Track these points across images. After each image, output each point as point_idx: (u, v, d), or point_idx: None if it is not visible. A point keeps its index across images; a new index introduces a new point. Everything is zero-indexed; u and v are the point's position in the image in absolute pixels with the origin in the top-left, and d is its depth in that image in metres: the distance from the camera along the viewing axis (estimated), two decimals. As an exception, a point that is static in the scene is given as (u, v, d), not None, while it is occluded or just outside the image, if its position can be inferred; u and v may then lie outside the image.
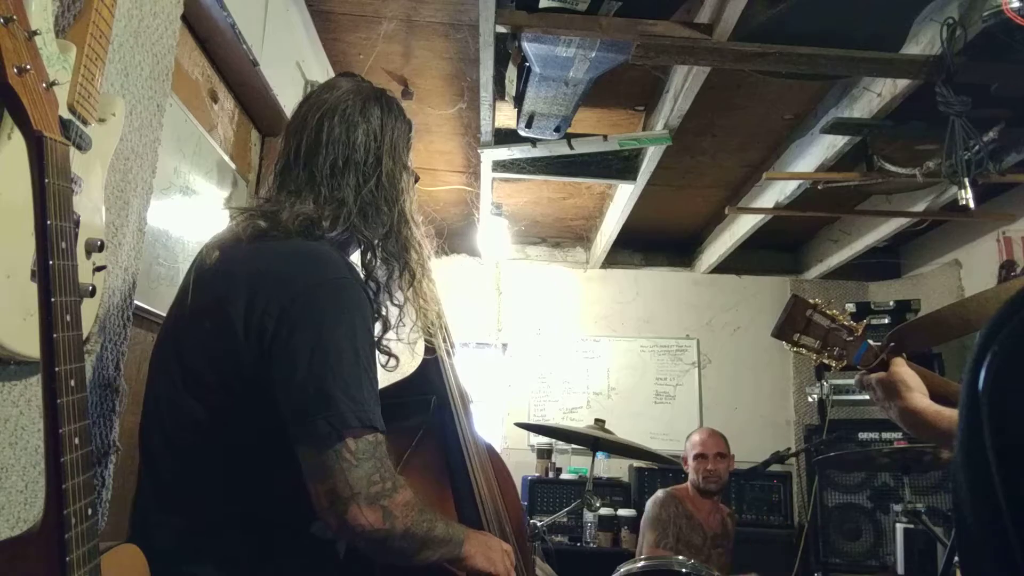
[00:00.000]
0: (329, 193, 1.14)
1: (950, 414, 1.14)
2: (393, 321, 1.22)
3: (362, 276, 1.16)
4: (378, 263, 1.18)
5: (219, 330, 1.03)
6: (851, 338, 1.28)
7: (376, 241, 1.18)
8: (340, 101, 1.19)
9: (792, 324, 1.29)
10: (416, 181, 1.34)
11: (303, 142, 1.18)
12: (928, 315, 1.31)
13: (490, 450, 1.53)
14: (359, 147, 1.17)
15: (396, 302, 1.20)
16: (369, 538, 0.98)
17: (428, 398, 1.42)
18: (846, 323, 1.29)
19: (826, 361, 1.30)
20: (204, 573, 1.01)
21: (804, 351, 1.30)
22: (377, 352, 1.17)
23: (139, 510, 1.10)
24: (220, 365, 1.03)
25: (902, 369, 1.22)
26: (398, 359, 1.24)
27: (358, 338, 1.03)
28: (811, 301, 1.30)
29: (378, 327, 1.19)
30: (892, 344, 1.25)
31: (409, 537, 1.01)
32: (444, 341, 1.45)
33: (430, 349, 1.44)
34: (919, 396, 1.19)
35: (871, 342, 1.28)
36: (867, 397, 1.30)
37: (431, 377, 1.43)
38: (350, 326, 1.02)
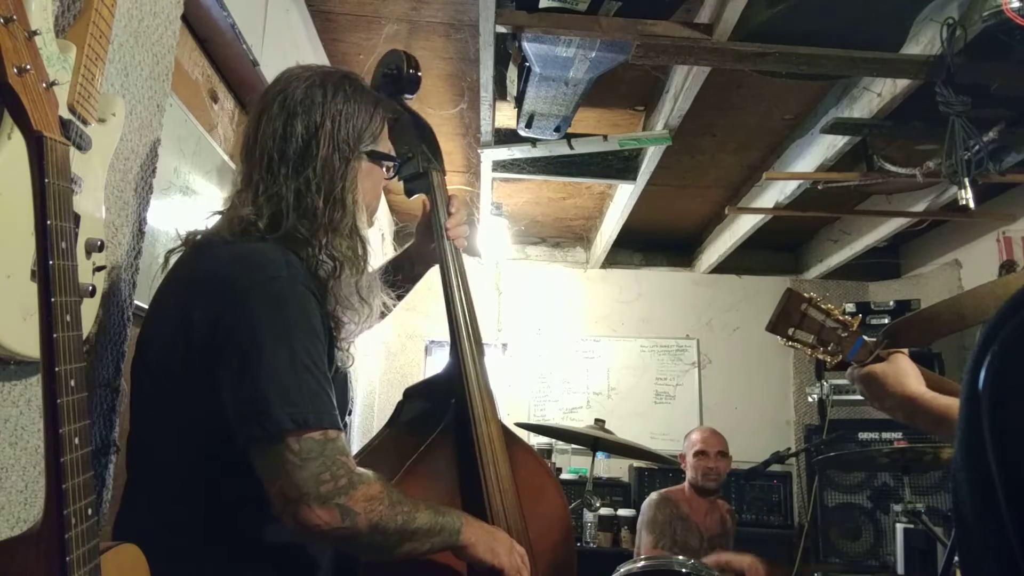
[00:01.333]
0: (265, 189, 1.11)
1: (946, 399, 1.13)
2: (343, 319, 1.16)
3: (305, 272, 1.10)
4: (319, 260, 1.12)
5: (168, 339, 1.04)
6: (846, 334, 1.26)
7: (317, 237, 1.12)
8: (280, 93, 1.14)
9: (787, 318, 1.27)
10: (397, 163, 1.29)
11: (245, 137, 1.16)
12: (922, 311, 1.30)
13: (532, 457, 1.48)
14: (294, 137, 1.11)
15: (341, 301, 1.14)
16: (331, 537, 0.96)
17: (448, 401, 1.37)
18: (841, 318, 1.27)
19: (820, 357, 1.27)
20: (164, 571, 1.01)
21: (798, 346, 1.28)
22: (336, 350, 1.14)
23: (122, 511, 1.10)
24: (174, 373, 1.04)
25: (903, 358, 1.22)
26: (353, 358, 1.21)
27: (295, 338, 1.00)
28: (806, 295, 1.28)
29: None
30: (887, 340, 1.24)
31: (380, 531, 0.98)
32: (470, 342, 1.40)
33: (455, 350, 1.39)
34: (916, 383, 1.19)
35: (866, 338, 1.26)
36: (860, 396, 1.28)
37: (453, 379, 1.38)
38: (284, 327, 1.00)
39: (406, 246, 1.58)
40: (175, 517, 1.04)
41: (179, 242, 1.16)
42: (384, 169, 1.25)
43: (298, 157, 1.11)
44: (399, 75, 1.45)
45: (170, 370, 1.04)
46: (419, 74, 1.47)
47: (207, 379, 1.00)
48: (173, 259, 1.16)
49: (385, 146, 1.25)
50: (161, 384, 1.06)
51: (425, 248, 1.51)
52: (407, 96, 1.50)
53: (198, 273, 1.07)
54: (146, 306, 1.59)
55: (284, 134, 1.11)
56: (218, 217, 1.17)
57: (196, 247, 1.11)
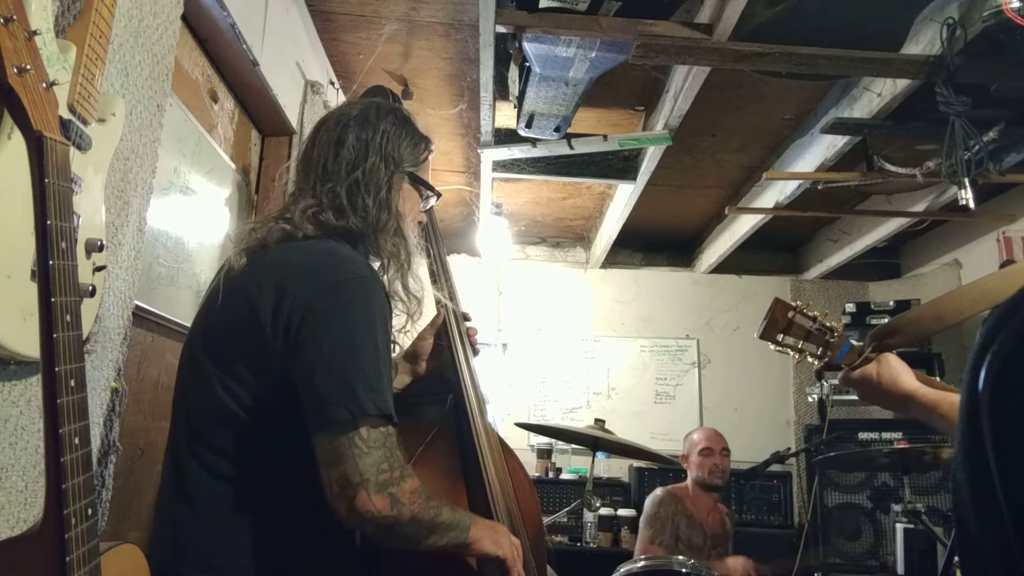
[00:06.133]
0: (321, 186, 1.22)
1: (935, 391, 1.19)
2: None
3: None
4: (368, 256, 1.24)
5: (249, 326, 1.08)
6: (833, 339, 1.32)
7: (367, 233, 1.23)
8: (338, 112, 1.30)
9: (775, 325, 1.34)
10: (437, 197, 1.40)
11: (304, 149, 1.29)
12: (905, 314, 1.37)
13: (508, 451, 1.55)
14: (347, 145, 1.24)
15: (390, 296, 1.24)
16: (377, 524, 1.02)
17: (444, 397, 1.46)
18: (828, 324, 1.34)
19: (810, 360, 1.34)
20: (232, 564, 1.05)
21: (789, 351, 1.35)
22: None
23: (165, 502, 1.11)
24: (250, 360, 1.08)
25: (892, 356, 1.27)
26: (402, 347, 1.33)
27: (377, 332, 1.08)
28: (792, 303, 1.34)
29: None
30: (874, 343, 1.29)
31: (416, 523, 1.05)
32: (462, 342, 1.50)
33: (448, 349, 1.48)
34: (909, 379, 1.23)
35: (853, 342, 1.32)
36: (856, 396, 1.34)
37: (448, 377, 1.47)
38: (370, 320, 1.08)
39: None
40: (239, 508, 1.06)
41: (248, 242, 1.19)
42: (422, 200, 1.36)
43: (350, 162, 1.23)
44: None
45: (244, 358, 1.08)
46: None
47: (284, 368, 1.05)
48: (242, 258, 1.17)
49: (426, 176, 1.36)
50: (230, 373, 1.08)
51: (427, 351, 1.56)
52: None
53: (284, 264, 1.13)
54: (146, 306, 1.59)
55: (339, 141, 1.24)
56: (272, 223, 1.21)
57: (277, 241, 1.16)
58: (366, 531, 1.08)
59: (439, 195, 1.42)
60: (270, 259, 1.14)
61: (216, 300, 1.14)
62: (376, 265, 1.23)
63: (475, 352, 1.57)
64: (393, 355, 1.22)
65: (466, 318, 1.57)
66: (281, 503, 1.09)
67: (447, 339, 1.50)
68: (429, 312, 1.51)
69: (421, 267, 1.32)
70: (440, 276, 1.56)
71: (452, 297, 1.55)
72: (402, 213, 1.28)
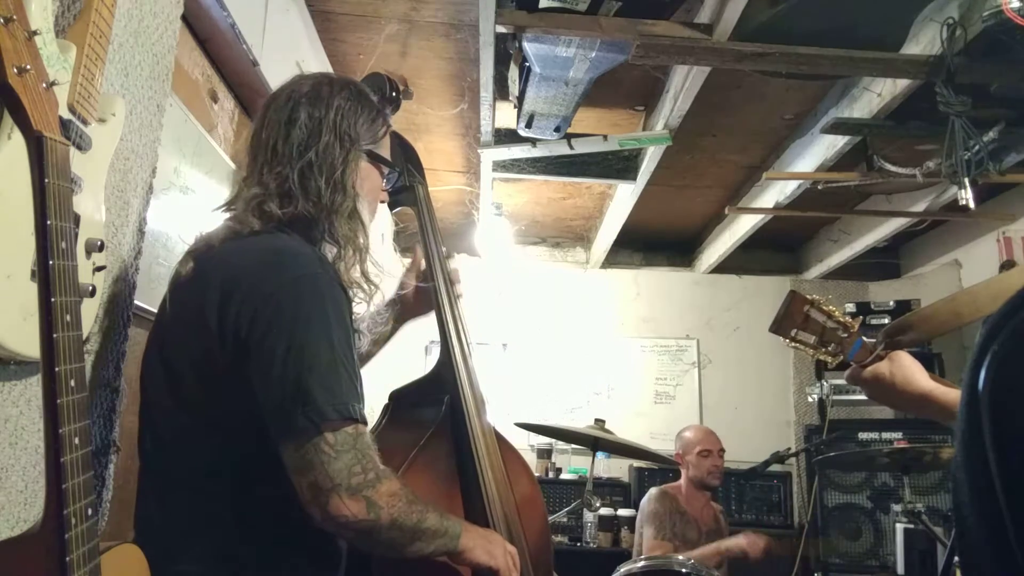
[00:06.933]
0: (269, 170, 1.15)
1: (956, 392, 1.16)
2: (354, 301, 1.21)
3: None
4: (324, 242, 1.17)
5: (197, 335, 1.04)
6: (846, 335, 1.29)
7: (319, 218, 1.16)
8: (287, 89, 1.21)
9: (790, 320, 1.30)
10: (399, 173, 1.35)
11: (252, 130, 1.21)
12: (919, 310, 1.33)
13: (512, 453, 1.53)
14: (299, 124, 1.16)
15: (348, 284, 1.18)
16: (355, 529, 0.99)
17: (441, 398, 1.43)
18: (842, 319, 1.30)
19: (822, 357, 1.31)
20: (199, 571, 1.03)
21: (800, 347, 1.31)
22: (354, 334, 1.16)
23: (139, 510, 1.11)
24: (200, 369, 1.05)
25: (905, 355, 1.24)
26: (367, 335, 1.28)
27: (332, 330, 1.03)
28: (809, 297, 1.31)
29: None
30: (886, 340, 1.26)
31: (397, 528, 1.01)
32: (460, 342, 1.48)
33: (445, 350, 1.47)
34: (924, 378, 1.21)
35: (865, 339, 1.29)
36: (866, 396, 1.31)
37: (445, 378, 1.44)
38: (323, 319, 1.03)
39: (391, 299, 1.59)
40: (203, 516, 1.04)
41: (195, 244, 1.15)
42: (383, 178, 1.29)
43: (301, 141, 1.15)
44: (381, 98, 1.51)
45: (196, 367, 1.05)
46: (400, 96, 1.58)
47: (237, 374, 1.01)
48: (188, 262, 1.14)
49: (385, 153, 1.29)
50: (183, 381, 1.06)
51: (413, 298, 1.57)
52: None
53: (230, 269, 1.07)
54: (146, 306, 1.59)
55: (289, 120, 1.16)
56: (226, 215, 1.17)
57: (223, 240, 1.11)
58: (346, 537, 1.06)
59: (400, 171, 1.35)
60: (215, 262, 1.09)
61: (165, 310, 1.10)
62: (333, 251, 1.17)
63: (458, 295, 1.53)
64: (357, 343, 1.17)
65: (448, 256, 1.55)
66: (256, 510, 1.05)
67: (431, 279, 1.48)
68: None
69: (380, 251, 1.29)
70: (430, 241, 1.53)
71: (438, 248, 1.52)
72: (360, 194, 1.20)
